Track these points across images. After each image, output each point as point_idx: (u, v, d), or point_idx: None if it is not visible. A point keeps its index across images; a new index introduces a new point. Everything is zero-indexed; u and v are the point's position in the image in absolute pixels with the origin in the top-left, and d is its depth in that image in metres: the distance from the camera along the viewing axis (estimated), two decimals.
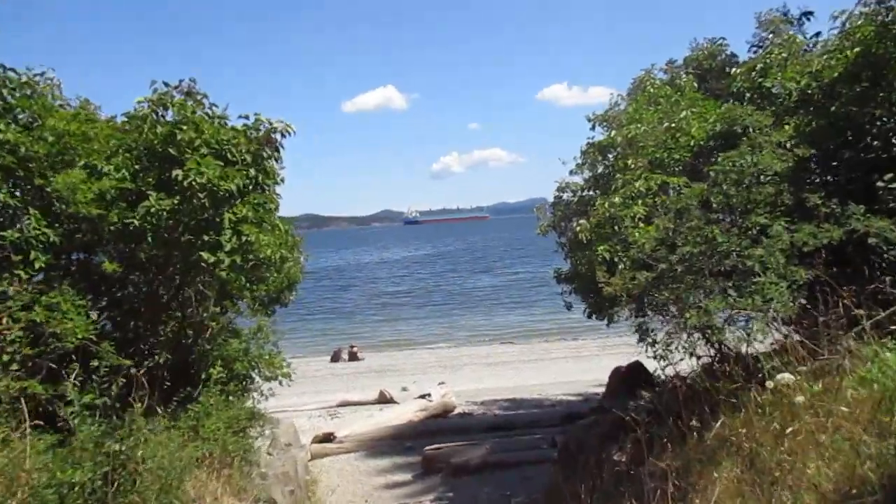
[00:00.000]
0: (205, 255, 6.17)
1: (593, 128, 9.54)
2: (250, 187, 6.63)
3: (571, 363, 21.64)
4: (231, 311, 7.95)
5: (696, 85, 9.49)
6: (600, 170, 8.92)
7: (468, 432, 11.95)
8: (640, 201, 7.32)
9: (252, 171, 6.57)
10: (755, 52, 8.79)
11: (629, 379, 8.92)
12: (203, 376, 6.64)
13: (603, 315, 8.86)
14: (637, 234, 6.87)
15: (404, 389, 18.39)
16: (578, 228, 7.81)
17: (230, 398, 6.85)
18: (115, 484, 3.59)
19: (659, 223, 6.51)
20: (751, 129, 6.55)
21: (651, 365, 7.67)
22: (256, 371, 7.54)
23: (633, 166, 7.70)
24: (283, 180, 7.44)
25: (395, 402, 15.39)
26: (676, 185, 7.22)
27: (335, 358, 26.22)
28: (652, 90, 9.45)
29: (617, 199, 7.41)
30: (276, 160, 6.84)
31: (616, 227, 7.29)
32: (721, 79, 9.63)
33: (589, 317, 9.20)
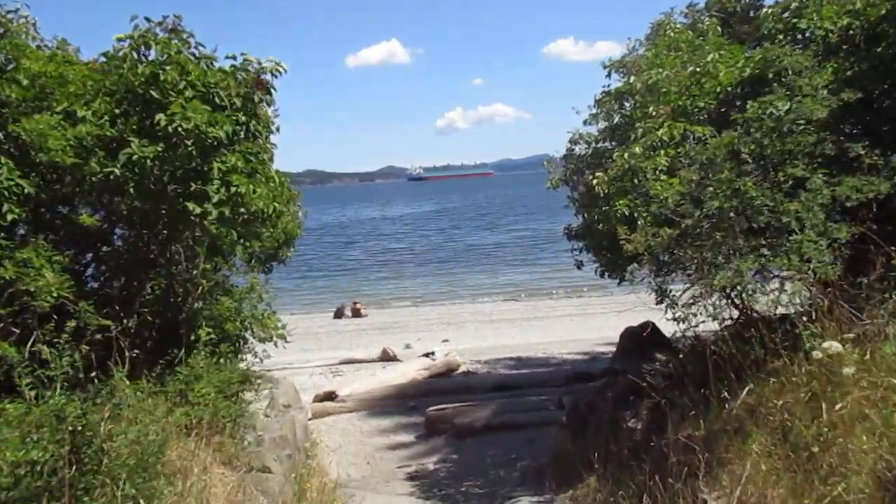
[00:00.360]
0: (190, 205, 5.67)
1: (609, 75, 8.87)
2: (241, 134, 6.09)
3: (577, 321, 21.27)
4: (224, 268, 7.48)
5: (719, 29, 8.82)
6: (617, 119, 8.30)
7: (472, 392, 11.62)
8: (662, 152, 6.75)
9: (242, 117, 6.02)
10: None
11: (642, 340, 8.49)
12: (192, 338, 6.21)
13: (616, 274, 8.37)
14: (659, 187, 6.32)
15: (408, 347, 18.06)
16: (595, 181, 7.24)
17: (221, 360, 6.41)
18: (76, 464, 3.16)
19: (683, 175, 5.96)
20: (788, 72, 5.96)
21: (666, 327, 7.23)
22: (249, 332, 7.09)
23: (654, 114, 7.12)
24: (277, 129, 6.89)
25: (398, 360, 15.06)
26: (702, 134, 6.65)
27: (338, 314, 25.94)
28: (672, 35, 8.77)
29: (637, 150, 6.84)
30: (269, 104, 6.29)
31: (636, 180, 6.74)
32: (746, 22, 8.96)
33: (601, 276, 8.71)
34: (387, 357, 15.33)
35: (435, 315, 24.92)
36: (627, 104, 8.13)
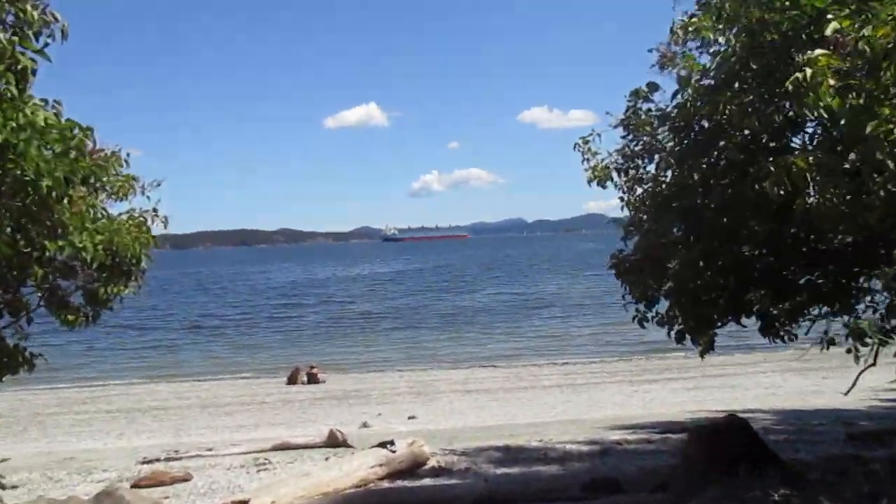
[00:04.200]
0: None
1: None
2: None
3: (568, 394, 17.65)
4: None
5: None
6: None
7: None
8: None
9: None
10: None
11: (724, 449, 5.04)
12: None
13: (702, 336, 4.97)
14: None
15: (364, 426, 14.25)
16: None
17: None
18: None
19: None
20: None
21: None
22: None
23: None
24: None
25: (349, 446, 11.29)
26: None
27: (292, 380, 22.06)
28: None
29: None
30: None
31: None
32: None
33: (679, 340, 5.30)
34: (334, 441, 11.53)
35: (402, 383, 21.13)
36: None
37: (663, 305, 5.32)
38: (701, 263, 4.30)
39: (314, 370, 22.26)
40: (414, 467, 9.70)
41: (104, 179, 4.11)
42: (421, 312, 42.28)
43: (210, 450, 11.59)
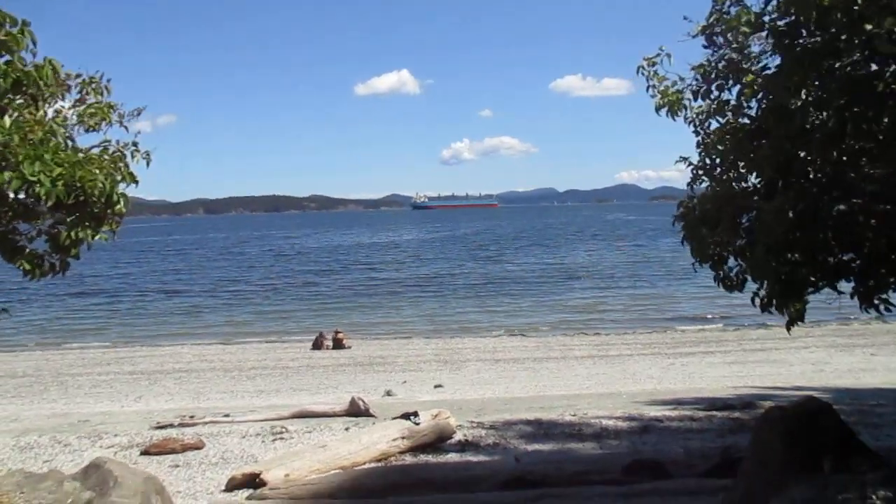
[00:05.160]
0: None
1: None
2: None
3: (601, 365, 16.83)
4: None
5: None
6: None
7: (473, 486, 7.20)
8: None
9: None
10: None
11: (806, 437, 4.24)
12: None
13: (790, 304, 4.12)
14: None
15: (388, 394, 13.63)
16: None
17: None
18: None
19: None
20: None
21: None
22: None
23: None
24: None
25: (371, 416, 10.68)
26: None
27: (317, 345, 21.60)
28: None
29: None
30: None
31: None
32: None
33: (764, 308, 4.44)
34: (355, 410, 10.91)
35: (429, 350, 20.51)
36: None
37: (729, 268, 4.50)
38: (791, 214, 3.46)
39: (339, 335, 21.77)
40: (439, 441, 9.04)
41: (44, 88, 3.37)
42: (449, 281, 41.59)
43: (227, 416, 11.07)
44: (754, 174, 4.06)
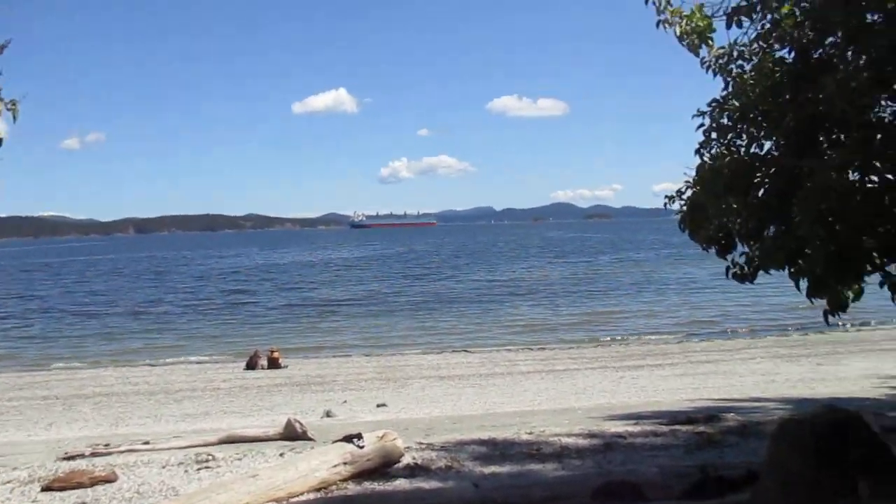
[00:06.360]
0: None
1: None
2: None
3: (550, 380, 16.20)
4: None
5: None
6: None
7: None
8: None
9: None
10: None
11: (836, 454, 3.57)
12: None
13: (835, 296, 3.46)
14: None
15: (328, 415, 12.62)
16: None
17: None
18: None
19: None
20: None
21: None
22: None
23: None
24: None
25: (309, 439, 9.70)
26: None
27: (251, 365, 20.31)
28: None
29: None
30: None
31: None
32: None
33: (816, 293, 3.70)
34: (292, 433, 9.92)
35: (370, 368, 19.52)
36: None
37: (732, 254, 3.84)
38: (834, 176, 2.82)
39: (275, 354, 20.56)
40: (385, 465, 8.14)
41: None
42: (389, 299, 40.59)
43: (147, 443, 9.91)
44: (781, 135, 3.39)
